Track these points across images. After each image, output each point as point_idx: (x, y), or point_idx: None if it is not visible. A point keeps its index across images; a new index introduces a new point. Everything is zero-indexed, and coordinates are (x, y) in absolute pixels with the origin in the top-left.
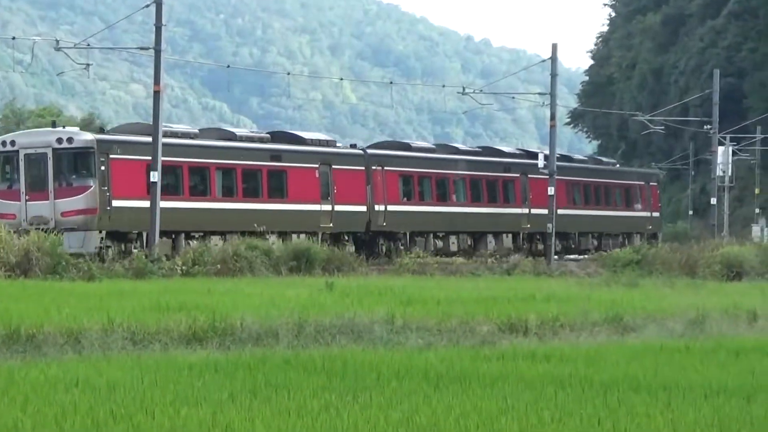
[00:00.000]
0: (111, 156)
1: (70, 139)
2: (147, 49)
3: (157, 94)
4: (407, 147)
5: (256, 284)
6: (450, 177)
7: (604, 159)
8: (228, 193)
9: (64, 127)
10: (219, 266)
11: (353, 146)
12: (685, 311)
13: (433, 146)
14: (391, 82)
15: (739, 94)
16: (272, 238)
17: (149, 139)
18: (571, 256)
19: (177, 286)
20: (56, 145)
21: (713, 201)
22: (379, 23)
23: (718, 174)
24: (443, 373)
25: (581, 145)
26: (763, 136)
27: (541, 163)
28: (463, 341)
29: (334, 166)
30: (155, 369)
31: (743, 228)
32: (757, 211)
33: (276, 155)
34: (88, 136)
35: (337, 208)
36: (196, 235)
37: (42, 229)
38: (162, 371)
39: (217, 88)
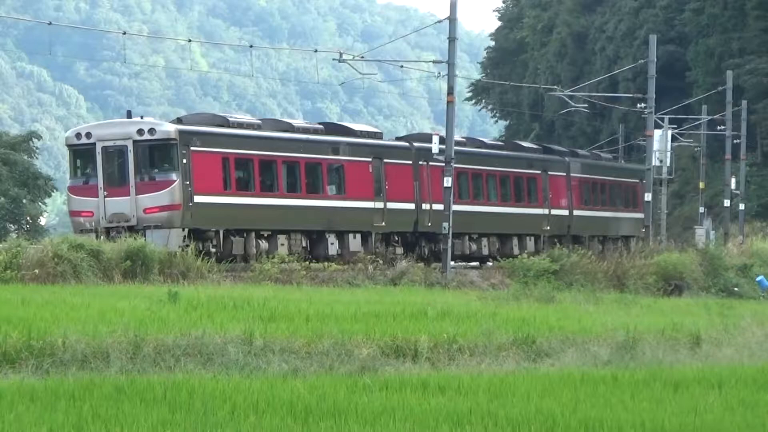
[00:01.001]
0: (192, 148)
1: (152, 130)
2: None
3: None
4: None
5: (82, 293)
6: (483, 174)
7: (581, 151)
8: (292, 189)
9: (142, 117)
10: (37, 271)
11: (399, 138)
12: (613, 333)
13: (463, 139)
14: (250, 46)
15: (680, 66)
16: (331, 239)
17: (228, 130)
18: (474, 263)
19: None
20: (137, 137)
21: (647, 197)
22: None
23: (653, 164)
24: (313, 407)
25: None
26: (709, 117)
27: (435, 148)
28: (337, 367)
29: (385, 160)
30: None
31: (684, 231)
32: (701, 210)
33: (335, 148)
34: (170, 127)
35: (389, 205)
36: (265, 234)
37: (122, 227)
38: None
39: (35, 50)
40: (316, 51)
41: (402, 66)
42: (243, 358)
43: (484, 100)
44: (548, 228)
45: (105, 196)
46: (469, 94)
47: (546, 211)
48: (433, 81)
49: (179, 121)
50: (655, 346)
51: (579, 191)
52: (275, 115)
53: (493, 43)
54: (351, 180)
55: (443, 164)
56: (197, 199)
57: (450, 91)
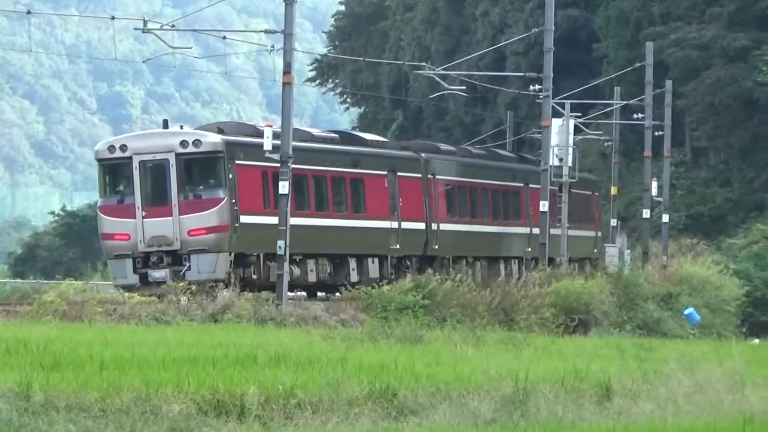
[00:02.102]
0: (236, 162)
1: (196, 142)
2: None
3: None
4: (438, 148)
5: None
6: (479, 188)
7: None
8: (320, 207)
9: (182, 127)
10: None
11: (404, 148)
12: (498, 383)
13: (484, 151)
14: (28, 12)
15: (586, 36)
16: (352, 263)
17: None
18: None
19: None
20: (180, 150)
21: (543, 207)
22: None
23: (551, 163)
24: None
25: (332, 115)
26: (623, 102)
27: (268, 144)
28: (141, 429)
29: (398, 174)
30: None
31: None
32: (613, 223)
33: (356, 160)
34: (216, 138)
35: (403, 225)
36: (297, 258)
37: (164, 252)
38: None
39: None
40: (113, 18)
41: (225, 37)
42: (18, 419)
43: (331, 81)
44: (529, 249)
45: (143, 217)
46: (313, 74)
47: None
48: (265, 57)
49: (220, 131)
50: (553, 400)
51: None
52: (61, 101)
53: (342, 8)
54: (370, 196)
55: (449, 177)
56: (243, 219)
57: (287, 70)
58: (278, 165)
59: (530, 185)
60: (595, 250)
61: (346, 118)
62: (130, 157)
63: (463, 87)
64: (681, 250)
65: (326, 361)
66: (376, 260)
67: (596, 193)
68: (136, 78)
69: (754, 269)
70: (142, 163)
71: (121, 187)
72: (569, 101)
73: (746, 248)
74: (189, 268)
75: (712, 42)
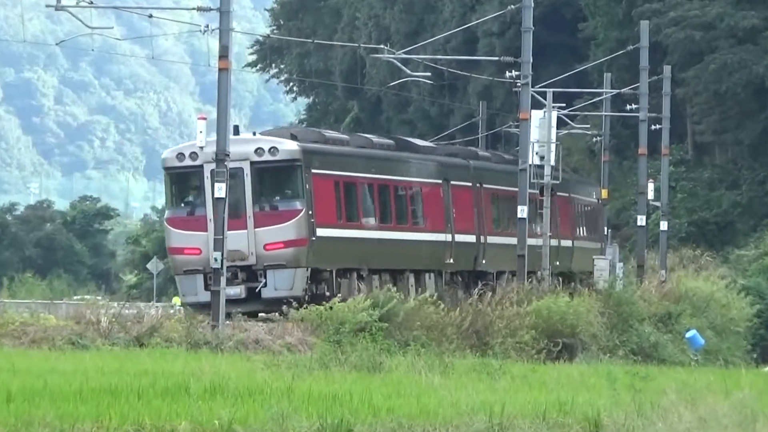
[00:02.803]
0: (312, 171)
1: (273, 150)
2: None
3: None
4: (477, 154)
5: None
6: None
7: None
8: (385, 219)
9: (255, 133)
10: None
11: (451, 154)
12: (469, 418)
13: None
14: None
15: (571, 14)
16: (411, 280)
17: (342, 148)
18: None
19: None
20: (255, 158)
21: (521, 213)
22: None
23: (531, 162)
24: None
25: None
26: (615, 92)
27: (201, 141)
28: None
29: (451, 183)
30: None
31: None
32: (604, 231)
33: (413, 168)
34: (293, 146)
35: (457, 238)
36: (363, 274)
37: (238, 267)
38: None
39: None
40: None
41: (151, 15)
42: None
43: (275, 66)
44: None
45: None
46: (253, 58)
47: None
48: (198, 38)
49: (294, 137)
50: None
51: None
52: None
53: None
54: (428, 208)
55: (495, 186)
56: (319, 232)
57: (224, 53)
58: (350, 174)
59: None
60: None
61: (292, 109)
62: (201, 166)
63: (428, 74)
64: (682, 263)
65: (270, 391)
66: (432, 276)
67: (601, 201)
68: (48, 63)
69: (766, 285)
70: (214, 172)
71: (191, 198)
72: (551, 90)
73: (757, 261)
74: (265, 284)
75: (718, 21)
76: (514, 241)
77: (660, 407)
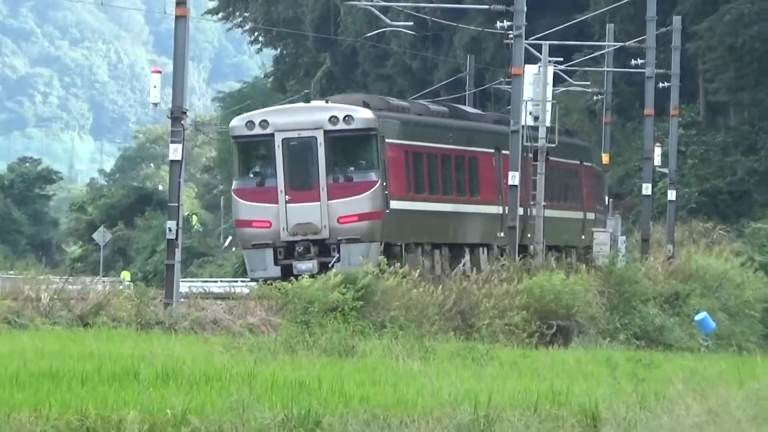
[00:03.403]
0: (387, 141)
1: (348, 118)
2: None
3: None
4: None
5: None
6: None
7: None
8: (448, 191)
9: (327, 101)
10: None
11: (497, 121)
12: (452, 408)
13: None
14: None
15: None
16: (467, 254)
17: (415, 117)
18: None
19: None
20: (329, 127)
21: (513, 179)
22: None
23: (524, 123)
24: None
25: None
26: (618, 45)
27: (154, 95)
28: None
29: (503, 152)
30: None
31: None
32: (606, 201)
33: (469, 137)
34: (369, 114)
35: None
36: (427, 249)
37: (310, 241)
38: None
39: None
40: None
41: None
42: None
43: (238, 15)
44: (502, 234)
45: (287, 202)
46: (214, 4)
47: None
48: None
49: (366, 105)
50: (522, 430)
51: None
52: None
53: None
54: (482, 178)
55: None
56: (393, 205)
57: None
58: (418, 144)
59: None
60: (583, 237)
61: (257, 61)
62: (272, 135)
63: (410, 23)
64: (692, 237)
65: (229, 378)
66: (485, 250)
67: (586, 163)
68: None
69: None
70: (285, 141)
71: (260, 168)
72: (547, 42)
73: None
74: (338, 259)
75: None
76: (563, 214)
77: (665, 398)
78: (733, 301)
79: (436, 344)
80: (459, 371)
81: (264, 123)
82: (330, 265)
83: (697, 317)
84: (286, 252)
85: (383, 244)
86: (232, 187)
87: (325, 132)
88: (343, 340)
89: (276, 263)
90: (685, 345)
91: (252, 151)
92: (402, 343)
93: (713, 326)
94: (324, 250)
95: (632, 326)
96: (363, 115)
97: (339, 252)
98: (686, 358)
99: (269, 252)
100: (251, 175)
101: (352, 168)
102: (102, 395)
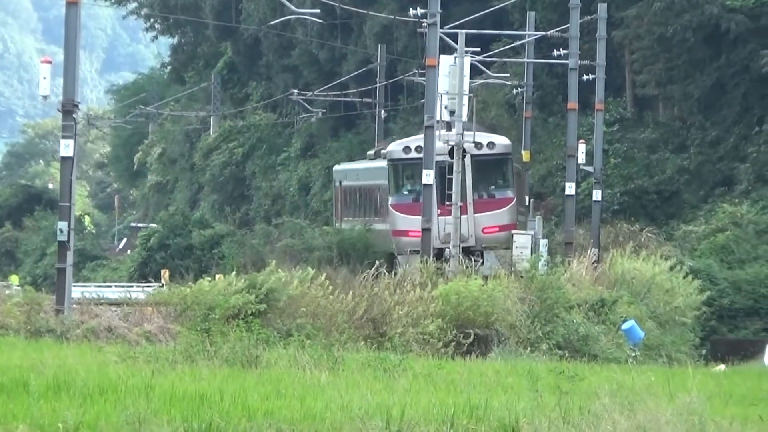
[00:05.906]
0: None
1: (491, 144)
2: None
3: None
4: None
5: None
6: None
7: None
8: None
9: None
10: None
11: None
12: (363, 423)
13: None
14: None
15: None
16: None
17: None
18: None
19: None
20: (475, 151)
21: (427, 179)
22: None
23: (438, 117)
24: None
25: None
26: (539, 34)
27: (44, 87)
28: None
29: None
30: None
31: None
32: (527, 201)
33: None
34: (506, 141)
35: None
36: None
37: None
38: None
39: None
40: None
41: None
42: None
43: (134, 1)
44: None
45: (439, 215)
46: None
47: None
48: None
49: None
50: None
51: None
52: None
53: None
54: None
55: None
56: (519, 218)
57: None
58: (516, 165)
59: None
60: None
61: (153, 50)
62: None
63: (317, 11)
64: (618, 240)
65: (125, 389)
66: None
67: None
68: None
69: (719, 267)
70: (437, 163)
71: (414, 186)
72: (464, 31)
73: (708, 238)
74: (482, 263)
75: None
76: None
77: (591, 413)
78: (663, 309)
79: (346, 354)
80: (370, 383)
81: (419, 148)
82: (476, 269)
83: (624, 326)
84: (437, 257)
85: None
86: (390, 202)
87: (473, 156)
88: (247, 350)
89: None
90: (611, 355)
91: (407, 172)
92: (309, 353)
93: (641, 335)
94: (468, 255)
95: (555, 335)
96: (502, 141)
97: (482, 257)
98: (613, 370)
99: (417, 258)
100: (406, 192)
101: (492, 186)
102: None
